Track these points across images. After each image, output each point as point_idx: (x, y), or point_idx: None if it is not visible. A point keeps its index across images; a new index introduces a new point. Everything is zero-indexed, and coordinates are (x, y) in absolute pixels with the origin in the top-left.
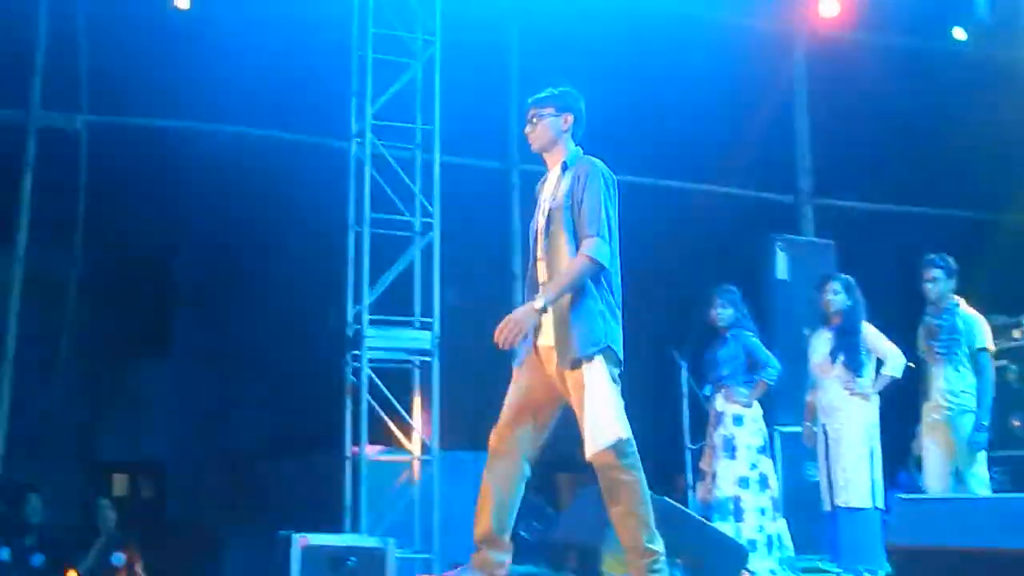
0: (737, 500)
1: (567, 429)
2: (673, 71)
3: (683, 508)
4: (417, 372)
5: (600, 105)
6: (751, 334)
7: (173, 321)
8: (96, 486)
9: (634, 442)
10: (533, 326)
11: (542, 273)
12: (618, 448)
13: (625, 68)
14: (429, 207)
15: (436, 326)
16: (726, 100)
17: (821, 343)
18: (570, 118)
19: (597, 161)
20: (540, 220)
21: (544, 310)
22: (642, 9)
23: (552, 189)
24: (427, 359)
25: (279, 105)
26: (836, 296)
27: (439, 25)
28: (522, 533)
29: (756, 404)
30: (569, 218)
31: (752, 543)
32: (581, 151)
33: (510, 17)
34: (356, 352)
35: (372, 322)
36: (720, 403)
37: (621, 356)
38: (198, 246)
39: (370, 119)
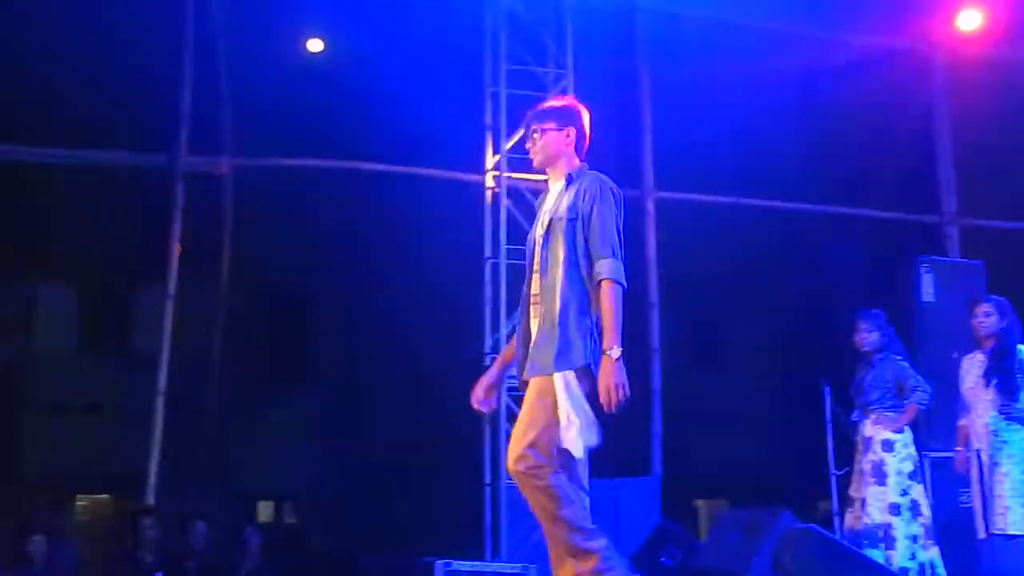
0: (888, 527)
1: (708, 454)
2: (808, 94)
3: (832, 536)
4: None
5: (735, 132)
6: (899, 358)
7: (314, 354)
8: (243, 513)
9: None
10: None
11: (534, 285)
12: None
13: (759, 93)
14: None
15: None
16: (865, 121)
17: (973, 366)
18: (572, 132)
19: (603, 176)
20: (538, 232)
21: (620, 354)
22: (775, 34)
23: (554, 202)
24: None
25: (414, 142)
26: (989, 318)
27: (571, 58)
28: (663, 560)
29: (906, 429)
30: (571, 231)
31: (904, 571)
32: (587, 166)
33: (640, 47)
34: None
35: None
36: (869, 429)
37: None
38: (336, 280)
39: (504, 152)
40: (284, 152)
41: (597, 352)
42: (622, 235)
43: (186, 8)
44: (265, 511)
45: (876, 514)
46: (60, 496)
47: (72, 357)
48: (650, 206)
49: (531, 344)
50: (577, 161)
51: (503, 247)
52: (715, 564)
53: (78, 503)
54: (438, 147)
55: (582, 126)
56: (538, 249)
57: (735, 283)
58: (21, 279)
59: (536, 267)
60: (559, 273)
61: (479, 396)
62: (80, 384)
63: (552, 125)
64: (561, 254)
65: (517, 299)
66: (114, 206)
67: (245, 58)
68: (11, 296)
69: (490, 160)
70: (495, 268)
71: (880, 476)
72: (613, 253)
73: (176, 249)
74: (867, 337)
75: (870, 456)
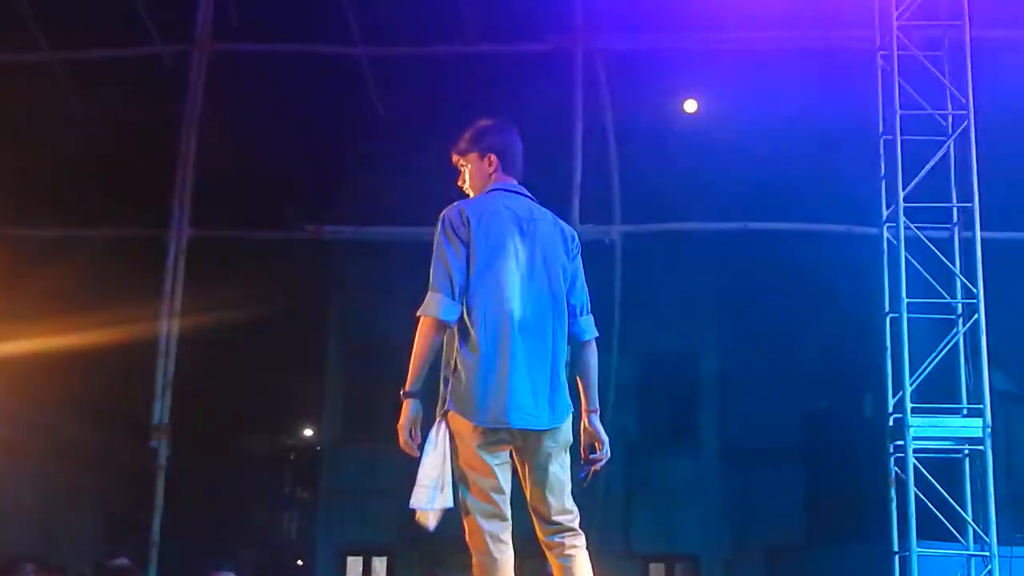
0: None
1: None
2: None
3: None
4: (967, 461)
5: None
6: None
7: (701, 415)
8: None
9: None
10: (415, 414)
11: None
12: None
13: None
14: (973, 288)
15: (986, 413)
16: None
17: None
18: (494, 158)
19: (455, 205)
20: None
21: (412, 394)
22: None
23: None
24: (978, 448)
25: (799, 197)
26: None
27: (971, 98)
28: None
29: None
30: None
31: None
32: (494, 192)
33: None
34: (899, 442)
35: (915, 410)
36: None
37: (485, 416)
38: (724, 341)
39: (902, 202)
40: (669, 216)
41: (459, 393)
42: (454, 267)
43: (574, 82)
44: (656, 574)
45: None
46: None
47: None
48: None
49: None
50: (496, 180)
51: (904, 301)
52: None
53: None
54: (828, 201)
55: (506, 147)
56: None
57: None
58: None
59: None
60: None
61: None
62: None
63: (474, 156)
64: None
65: (918, 354)
66: None
67: (629, 125)
68: None
69: (886, 211)
70: (894, 323)
71: None
72: (430, 287)
73: None
74: None
75: None
